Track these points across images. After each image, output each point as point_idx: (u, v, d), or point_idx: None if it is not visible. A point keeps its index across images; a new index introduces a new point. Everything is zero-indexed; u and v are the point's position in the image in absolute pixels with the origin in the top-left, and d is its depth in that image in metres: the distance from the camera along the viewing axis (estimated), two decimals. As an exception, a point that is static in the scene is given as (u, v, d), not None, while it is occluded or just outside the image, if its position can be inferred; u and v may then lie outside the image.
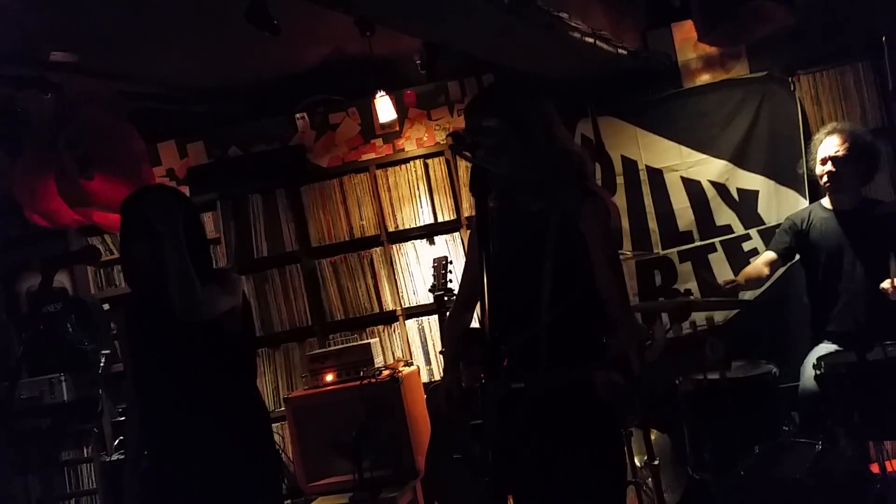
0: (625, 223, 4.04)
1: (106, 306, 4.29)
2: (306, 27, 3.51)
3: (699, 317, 3.90)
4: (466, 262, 2.24)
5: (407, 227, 4.23)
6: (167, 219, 2.12)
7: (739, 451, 2.75)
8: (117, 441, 3.89)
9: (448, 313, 2.26)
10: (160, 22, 3.11)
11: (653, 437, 3.39)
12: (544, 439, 1.87)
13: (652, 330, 1.53)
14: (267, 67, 4.02)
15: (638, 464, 3.50)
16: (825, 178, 3.22)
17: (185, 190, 4.40)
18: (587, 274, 1.90)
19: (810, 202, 3.65)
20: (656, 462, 3.24)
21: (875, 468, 2.94)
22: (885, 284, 2.97)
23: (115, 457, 3.80)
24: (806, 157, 3.50)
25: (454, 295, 3.64)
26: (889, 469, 2.99)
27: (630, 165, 4.07)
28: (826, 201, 3.34)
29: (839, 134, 3.21)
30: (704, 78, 4.02)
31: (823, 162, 3.22)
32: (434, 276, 3.68)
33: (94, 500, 4.37)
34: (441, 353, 4.01)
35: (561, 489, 1.90)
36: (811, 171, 3.38)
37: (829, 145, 3.21)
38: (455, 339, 2.16)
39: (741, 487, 2.65)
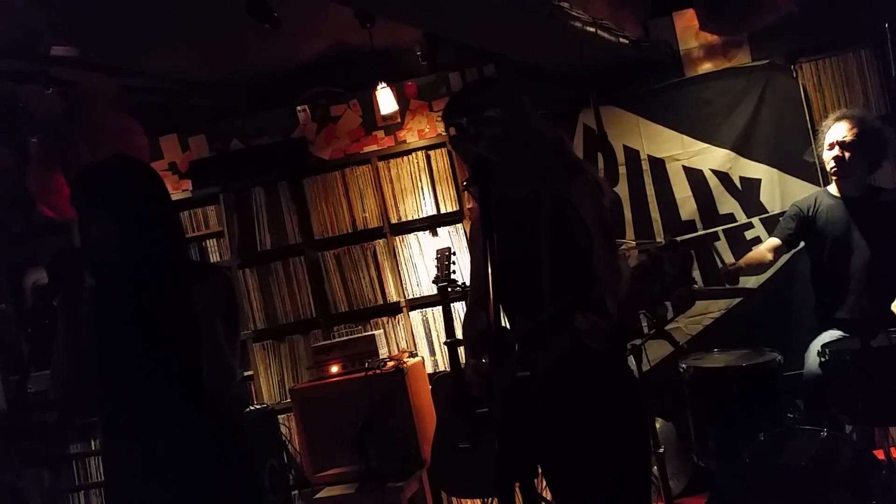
0: (627, 213, 4.04)
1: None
2: (306, 19, 3.51)
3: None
4: (472, 262, 2.25)
5: (410, 218, 4.24)
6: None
7: (744, 439, 2.75)
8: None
9: (463, 317, 2.24)
10: (161, 16, 3.10)
11: (658, 425, 3.41)
12: (552, 426, 1.88)
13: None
14: (268, 60, 4.01)
15: (642, 452, 3.52)
16: (833, 164, 3.21)
17: (188, 184, 4.42)
18: (585, 252, 1.90)
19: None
20: (661, 450, 3.25)
21: (880, 454, 2.95)
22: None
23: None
24: (814, 143, 3.49)
25: (458, 286, 3.65)
26: (894, 455, 3.00)
27: (632, 155, 4.06)
28: (833, 188, 3.33)
29: (848, 120, 3.19)
30: (706, 66, 4.01)
31: (831, 147, 3.21)
32: (437, 267, 3.69)
33: (101, 492, 4.40)
34: (446, 343, 4.01)
35: (580, 473, 1.91)
36: (819, 157, 3.37)
37: (838, 131, 3.19)
38: (474, 345, 2.13)
39: (746, 474, 2.65)
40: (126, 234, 1.96)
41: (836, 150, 3.18)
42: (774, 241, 3.35)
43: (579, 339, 1.69)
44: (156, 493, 2.00)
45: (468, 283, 2.27)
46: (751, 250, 3.78)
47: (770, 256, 3.33)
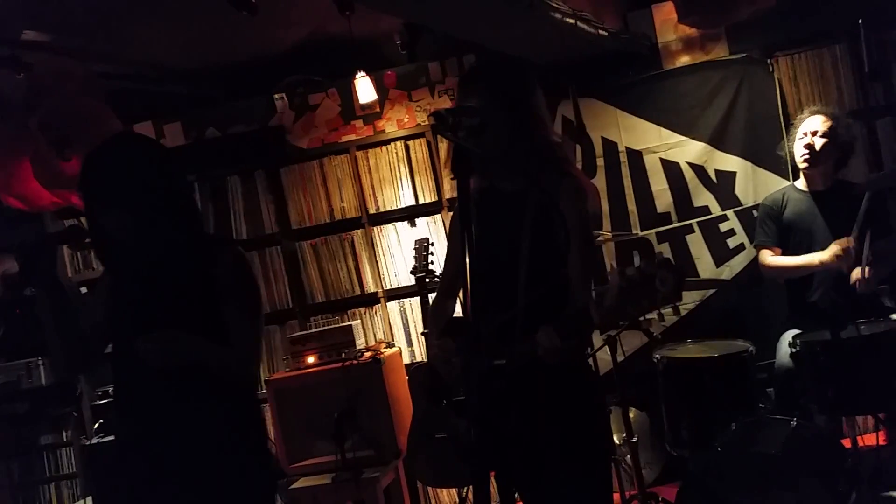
0: (605, 205, 4.06)
1: (83, 290, 4.25)
2: (285, 6, 3.47)
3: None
4: (448, 251, 2.24)
5: (388, 209, 4.22)
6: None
7: (716, 428, 2.79)
8: (97, 424, 3.87)
9: (432, 303, 2.25)
10: (136, 1, 3.05)
11: (631, 414, 3.44)
12: (526, 415, 1.89)
13: (609, 278, 1.56)
14: (245, 47, 3.97)
15: (617, 441, 3.56)
16: (804, 152, 3.26)
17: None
18: (564, 253, 1.92)
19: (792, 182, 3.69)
20: (635, 439, 3.29)
21: (847, 443, 3.01)
22: (855, 275, 3.03)
23: (94, 440, 3.78)
24: (786, 136, 3.53)
25: (436, 277, 3.66)
26: (861, 444, 3.06)
27: (610, 147, 4.09)
28: (801, 183, 3.39)
29: (823, 115, 3.27)
30: (684, 60, 4.04)
31: (804, 136, 3.26)
32: (415, 257, 3.69)
33: (74, 483, 4.35)
34: (423, 334, 4.02)
35: (543, 465, 1.93)
36: (790, 150, 3.42)
37: (812, 124, 3.27)
38: (440, 330, 2.13)
39: (718, 463, 2.69)
40: (139, 215, 1.91)
41: (808, 139, 3.24)
42: (776, 251, 3.35)
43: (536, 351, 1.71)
44: (172, 474, 1.98)
45: None
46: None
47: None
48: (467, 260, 1.49)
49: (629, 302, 1.56)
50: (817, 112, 3.29)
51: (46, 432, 4.37)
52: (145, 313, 1.97)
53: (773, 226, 3.35)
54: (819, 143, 3.22)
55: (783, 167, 3.84)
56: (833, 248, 3.08)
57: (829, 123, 3.22)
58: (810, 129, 3.25)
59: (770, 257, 3.34)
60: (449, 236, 2.27)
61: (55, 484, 4.39)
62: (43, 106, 3.33)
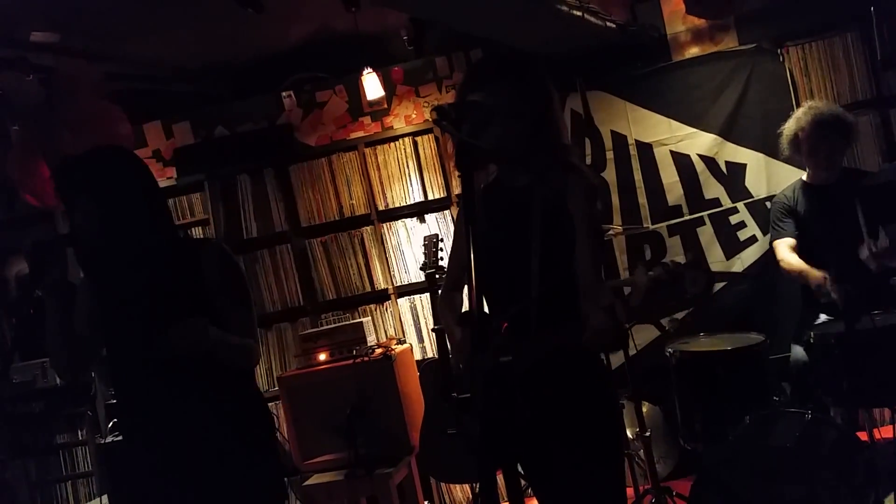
0: (615, 198, 4.04)
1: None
2: (291, 3, 3.47)
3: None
4: (453, 246, 2.22)
5: (397, 205, 4.22)
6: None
7: (730, 422, 2.77)
8: (111, 423, 3.90)
9: (439, 298, 2.23)
10: (144, 1, 3.06)
11: (644, 409, 3.43)
12: (536, 411, 1.88)
13: (633, 274, 1.53)
14: (252, 46, 3.98)
15: (630, 435, 3.54)
16: (805, 150, 3.24)
17: (172, 171, 4.38)
18: (573, 247, 1.90)
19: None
20: (648, 433, 3.27)
21: (864, 436, 2.98)
22: (864, 254, 3.00)
23: (109, 439, 3.81)
24: (783, 133, 3.50)
25: (445, 273, 3.64)
26: (877, 436, 3.03)
27: (620, 140, 4.06)
28: (807, 176, 3.38)
29: (814, 110, 3.24)
30: (693, 51, 4.00)
31: (803, 138, 3.24)
32: (425, 253, 3.68)
33: (90, 482, 4.39)
34: (434, 330, 4.01)
35: (555, 462, 1.91)
36: (786, 145, 3.40)
37: (807, 120, 3.23)
38: (454, 322, 2.11)
39: (732, 457, 2.67)
40: (111, 222, 1.95)
41: (808, 141, 3.21)
42: (790, 242, 3.32)
43: (579, 336, 1.68)
44: (180, 471, 1.99)
45: None
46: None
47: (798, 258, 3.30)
48: (472, 254, 1.47)
49: (656, 303, 1.54)
50: (808, 110, 3.26)
51: (62, 431, 4.41)
52: (140, 315, 1.99)
53: (790, 220, 3.34)
54: (816, 141, 3.21)
55: (797, 158, 3.79)
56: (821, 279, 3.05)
57: (821, 121, 3.20)
58: (806, 131, 3.23)
59: (786, 253, 3.31)
60: (455, 233, 2.25)
61: (71, 482, 4.43)
62: (60, 107, 3.38)
